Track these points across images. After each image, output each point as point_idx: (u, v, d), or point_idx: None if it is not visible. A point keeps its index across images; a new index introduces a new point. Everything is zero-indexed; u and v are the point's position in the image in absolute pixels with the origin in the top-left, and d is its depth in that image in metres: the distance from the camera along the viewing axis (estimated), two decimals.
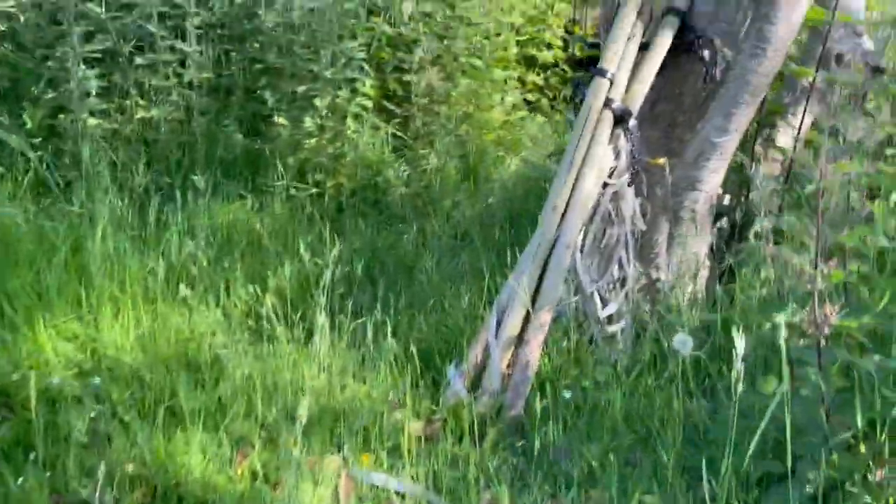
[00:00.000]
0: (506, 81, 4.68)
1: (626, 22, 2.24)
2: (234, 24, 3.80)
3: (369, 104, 3.96)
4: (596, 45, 3.28)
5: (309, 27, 3.70)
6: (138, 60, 3.37)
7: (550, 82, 5.17)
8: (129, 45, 3.36)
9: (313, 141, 3.63)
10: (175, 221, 2.55)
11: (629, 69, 2.25)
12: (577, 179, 2.16)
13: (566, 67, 5.17)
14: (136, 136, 3.36)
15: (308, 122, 3.62)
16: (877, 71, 2.65)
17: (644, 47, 2.29)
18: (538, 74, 5.12)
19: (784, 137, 2.74)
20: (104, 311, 2.13)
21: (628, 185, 2.28)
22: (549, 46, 5.11)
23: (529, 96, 5.06)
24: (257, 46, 3.88)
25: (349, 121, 3.88)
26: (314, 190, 3.36)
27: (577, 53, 5.15)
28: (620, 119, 2.21)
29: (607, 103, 2.21)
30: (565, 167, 2.17)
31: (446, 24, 4.34)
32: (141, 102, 3.46)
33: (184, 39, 3.49)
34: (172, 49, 3.42)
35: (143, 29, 3.39)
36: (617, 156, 2.25)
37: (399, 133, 4.11)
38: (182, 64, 3.47)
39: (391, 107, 4.15)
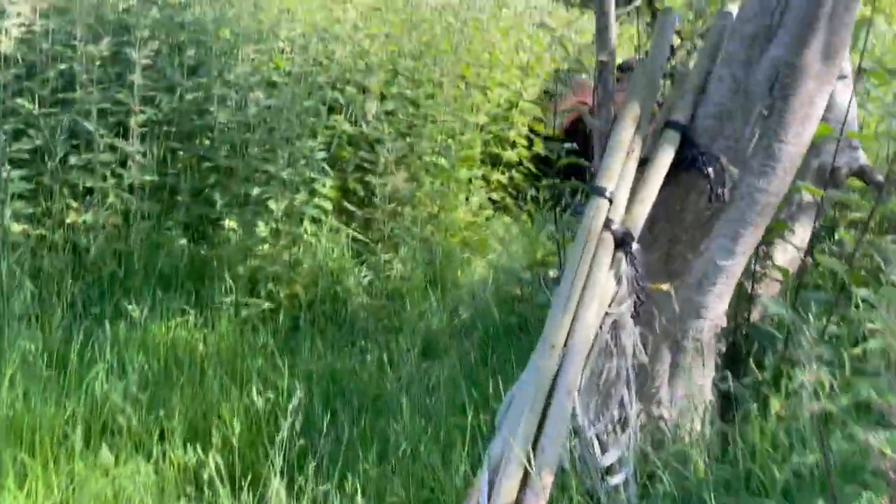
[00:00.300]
0: (470, 181, 4.50)
1: (625, 136, 2.03)
2: (183, 120, 3.51)
3: (328, 206, 3.69)
4: (576, 152, 3.11)
5: (265, 123, 3.44)
6: (73, 160, 3.04)
7: (515, 180, 5.02)
8: (64, 144, 3.03)
9: (266, 247, 3.31)
10: (103, 356, 2.16)
11: (629, 187, 2.02)
12: (576, 311, 1.88)
13: (530, 166, 5.03)
14: (65, 244, 2.98)
15: (261, 227, 3.31)
16: (878, 186, 2.51)
17: (643, 162, 2.08)
18: (503, 173, 4.96)
19: (783, 255, 2.54)
20: (6, 480, 1.72)
21: (630, 315, 2.01)
22: (514, 145, 4.97)
23: (494, 195, 4.88)
24: (207, 143, 3.60)
25: (306, 223, 3.59)
26: (266, 305, 3.01)
27: (543, 152, 5.03)
28: (621, 242, 1.97)
29: (607, 224, 1.97)
30: (562, 298, 1.90)
31: (410, 123, 4.16)
32: (73, 205, 3.11)
33: (126, 137, 3.19)
34: (112, 148, 3.10)
35: (80, 126, 3.07)
36: (618, 282, 2.00)
37: (360, 236, 3.83)
38: (122, 164, 3.15)
39: (352, 208, 3.89)
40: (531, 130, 5.06)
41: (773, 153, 2.04)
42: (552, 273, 3.59)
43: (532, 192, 4.90)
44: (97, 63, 3.02)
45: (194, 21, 3.78)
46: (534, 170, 5.05)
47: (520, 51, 5.14)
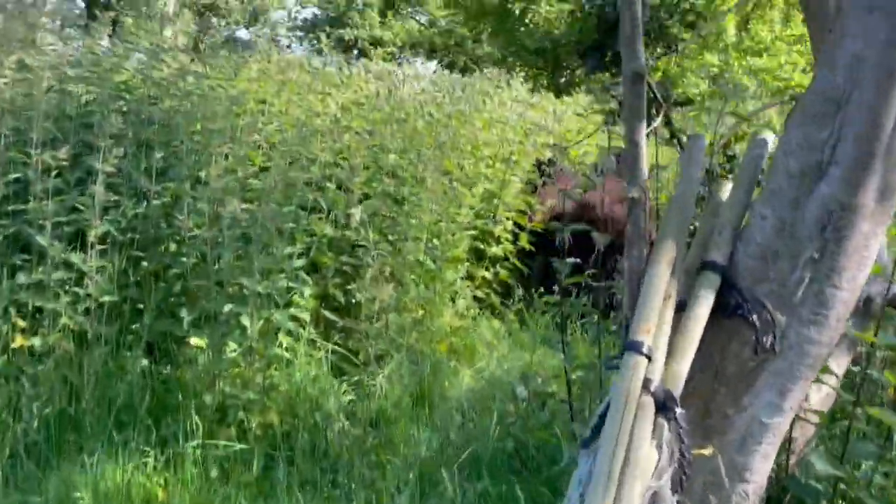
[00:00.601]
0: (455, 282, 4.25)
1: (660, 281, 1.79)
2: (148, 225, 3.21)
3: (307, 317, 3.39)
4: (579, 268, 2.88)
5: (240, 228, 3.15)
6: (21, 278, 2.70)
7: (500, 276, 4.79)
8: (12, 259, 2.70)
9: (237, 370, 2.98)
10: None
11: (667, 339, 1.77)
12: (618, 493, 1.60)
13: (516, 261, 4.82)
14: (8, 373, 2.62)
15: (232, 347, 2.99)
16: None
17: (680, 307, 1.84)
18: (487, 269, 4.72)
19: (817, 394, 2.30)
20: None
21: (674, 490, 1.73)
22: (499, 240, 4.76)
23: (479, 293, 4.64)
24: (174, 248, 3.29)
25: (281, 336, 3.28)
26: (238, 446, 2.66)
27: (527, 246, 4.84)
28: (663, 406, 1.71)
29: (646, 385, 1.70)
30: (602, 479, 1.61)
31: (393, 220, 3.92)
32: (21, 324, 2.76)
33: (83, 249, 2.87)
34: (67, 264, 2.77)
35: (32, 239, 2.75)
36: (658, 450, 1.72)
37: (340, 347, 3.53)
38: (79, 280, 2.82)
39: (332, 317, 3.59)
40: (516, 224, 4.87)
41: (826, 300, 1.81)
42: (559, 394, 3.30)
43: (519, 291, 4.67)
44: (54, 172, 2.72)
45: (164, 116, 3.53)
46: (519, 265, 4.84)
47: (504, 143, 4.98)
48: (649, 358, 1.73)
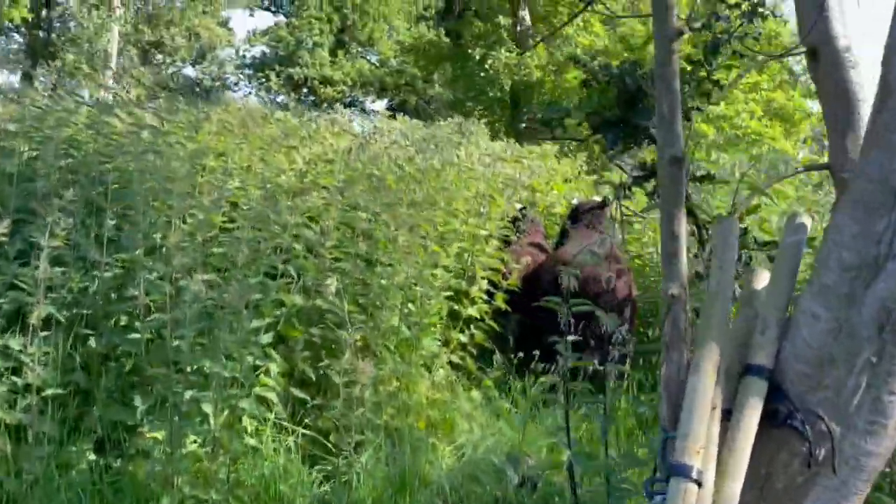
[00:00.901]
0: (431, 348, 3.99)
1: (706, 390, 1.58)
2: (97, 301, 2.87)
3: (274, 397, 3.08)
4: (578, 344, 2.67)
5: (200, 303, 2.84)
6: None
7: (475, 338, 4.55)
8: None
9: (198, 465, 2.65)
10: None
11: (715, 458, 1.56)
12: None
13: (492, 323, 4.59)
14: None
15: (192, 439, 2.66)
16: None
17: (725, 415, 1.63)
18: (462, 332, 4.48)
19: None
20: None
21: None
22: (473, 301, 4.52)
23: (454, 357, 4.38)
24: (125, 321, 2.96)
25: (246, 421, 2.97)
26: None
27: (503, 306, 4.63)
28: None
29: None
30: None
31: (365, 283, 3.66)
32: None
33: (23, 331, 2.52)
34: (5, 350, 2.42)
35: None
36: None
37: (310, 429, 3.22)
38: (18, 369, 2.47)
39: (302, 395, 3.28)
40: (490, 283, 4.66)
41: (884, 408, 1.62)
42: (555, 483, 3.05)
43: (497, 355, 4.44)
44: None
45: (117, 176, 3.22)
46: (496, 326, 4.61)
47: (477, 198, 4.78)
48: (699, 483, 1.50)
